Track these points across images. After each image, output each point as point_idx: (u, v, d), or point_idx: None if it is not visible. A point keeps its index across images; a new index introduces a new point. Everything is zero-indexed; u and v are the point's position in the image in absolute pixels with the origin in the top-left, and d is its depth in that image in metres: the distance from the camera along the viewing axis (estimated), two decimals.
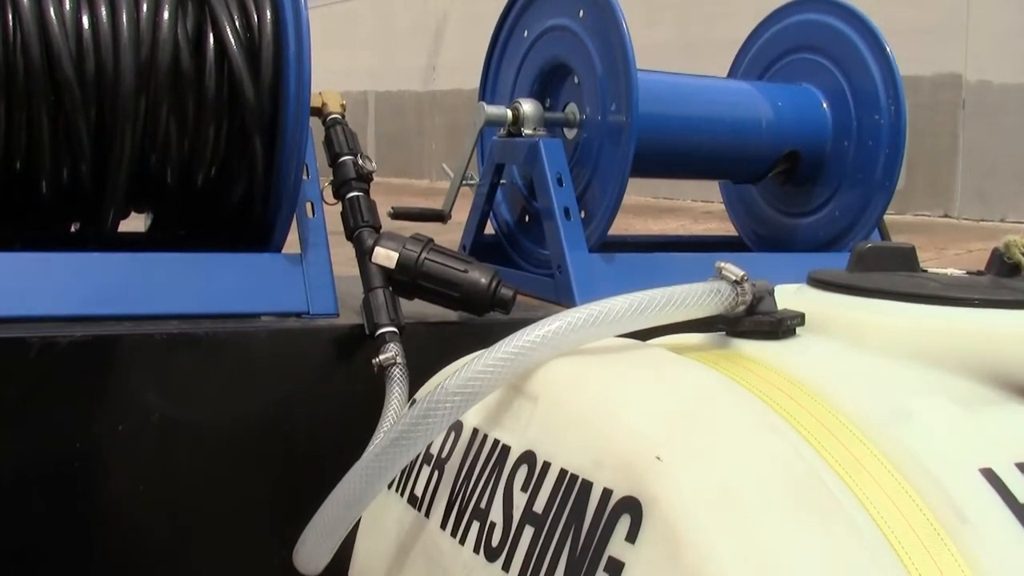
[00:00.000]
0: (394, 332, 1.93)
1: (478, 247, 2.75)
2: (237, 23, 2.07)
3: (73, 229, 2.24)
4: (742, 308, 1.31)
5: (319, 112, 2.26)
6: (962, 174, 12.62)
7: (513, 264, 2.75)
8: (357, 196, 2.12)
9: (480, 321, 2.05)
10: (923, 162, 12.66)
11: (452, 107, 20.25)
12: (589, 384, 1.17)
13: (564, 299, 2.33)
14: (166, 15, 2.02)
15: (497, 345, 1.19)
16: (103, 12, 2.00)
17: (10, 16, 1.95)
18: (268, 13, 2.09)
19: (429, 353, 1.70)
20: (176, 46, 2.03)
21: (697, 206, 12.46)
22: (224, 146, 2.10)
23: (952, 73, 12.57)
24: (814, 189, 2.90)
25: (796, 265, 1.62)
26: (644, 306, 1.23)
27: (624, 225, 11.28)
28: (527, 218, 2.76)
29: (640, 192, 13.78)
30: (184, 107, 2.05)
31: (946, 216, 12.68)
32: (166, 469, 1.94)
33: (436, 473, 1.35)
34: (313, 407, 2.03)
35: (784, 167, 2.89)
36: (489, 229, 2.85)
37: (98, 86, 1.98)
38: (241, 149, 2.09)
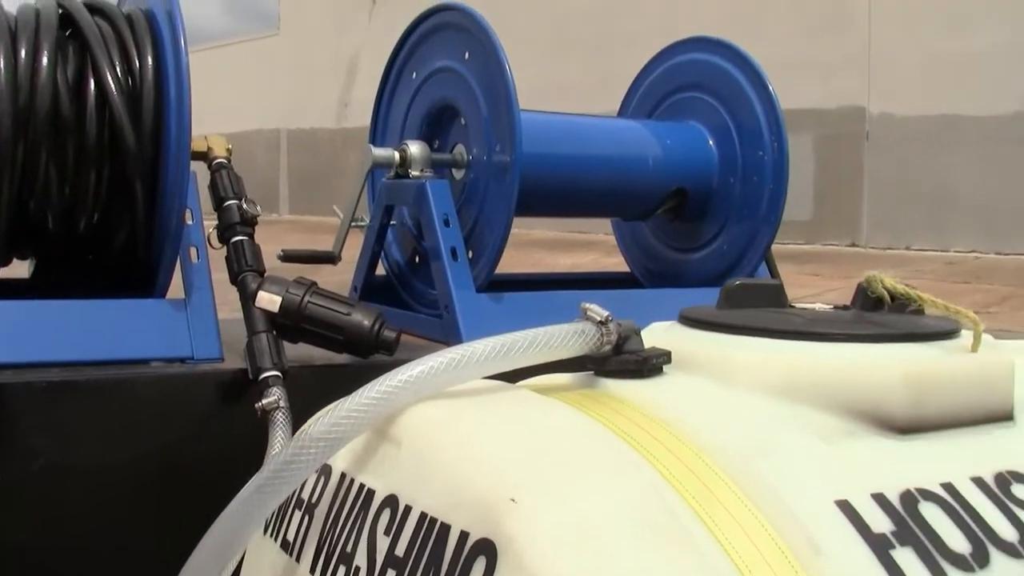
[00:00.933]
0: (277, 376, 1.92)
1: (369, 288, 2.76)
2: (118, 68, 2.07)
3: None
4: (608, 348, 1.32)
5: (204, 156, 2.26)
6: (868, 204, 12.81)
7: (404, 305, 2.76)
8: (241, 240, 2.12)
9: (365, 363, 2.05)
10: (830, 193, 12.85)
11: (365, 143, 20.23)
12: (450, 427, 1.17)
13: (452, 339, 2.34)
14: (45, 60, 2.01)
15: (361, 390, 1.19)
16: None
17: None
18: (149, 59, 2.09)
19: (314, 396, 1.69)
20: (55, 92, 2.02)
21: (610, 239, 12.46)
22: (105, 192, 2.09)
23: (856, 106, 12.78)
24: (702, 225, 2.94)
25: (687, 300, 1.64)
26: (507, 349, 1.24)
27: (536, 259, 11.36)
28: (417, 259, 2.77)
29: (553, 227, 13.88)
30: (64, 153, 2.04)
31: (854, 245, 12.86)
32: (50, 518, 1.93)
33: (306, 518, 1.35)
34: (198, 452, 2.02)
35: (672, 204, 2.93)
36: (381, 270, 2.85)
37: None
38: (123, 194, 2.09)
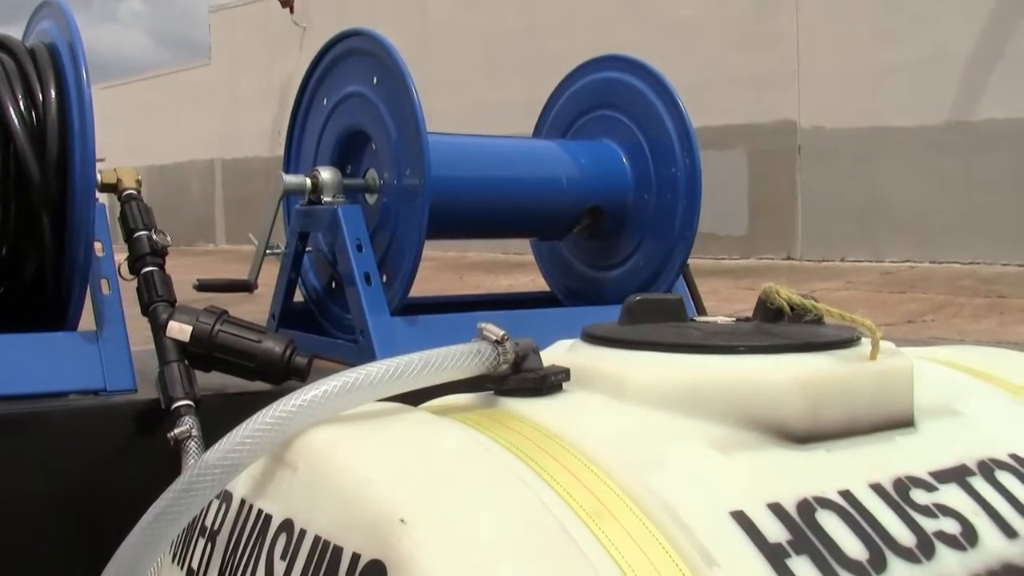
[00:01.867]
0: (189, 405, 1.92)
1: (287, 315, 2.76)
2: (21, 103, 2.06)
3: None
4: (506, 367, 1.33)
5: (114, 188, 2.25)
6: (802, 217, 12.94)
7: (322, 331, 2.76)
8: (152, 271, 2.12)
9: (278, 390, 2.05)
10: (765, 207, 12.97)
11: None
12: (342, 450, 1.18)
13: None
14: None
15: (256, 415, 1.20)
16: None
17: None
18: (52, 91, 2.08)
19: (228, 424, 1.69)
20: None
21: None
22: (13, 225, 2.09)
23: (787, 120, 12.91)
24: (619, 242, 2.96)
25: (603, 317, 1.65)
26: (402, 370, 1.25)
27: (475, 282, 11.35)
28: (333, 284, 2.77)
29: (492, 248, 13.90)
30: None
31: (789, 258, 12.97)
32: None
33: (209, 545, 1.35)
34: (113, 483, 2.01)
35: (588, 222, 2.95)
36: (300, 296, 2.85)
37: None
38: (30, 228, 2.08)
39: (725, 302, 8.28)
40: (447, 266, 12.27)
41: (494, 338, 1.32)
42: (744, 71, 12.95)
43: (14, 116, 2.04)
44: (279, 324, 2.74)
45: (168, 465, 1.87)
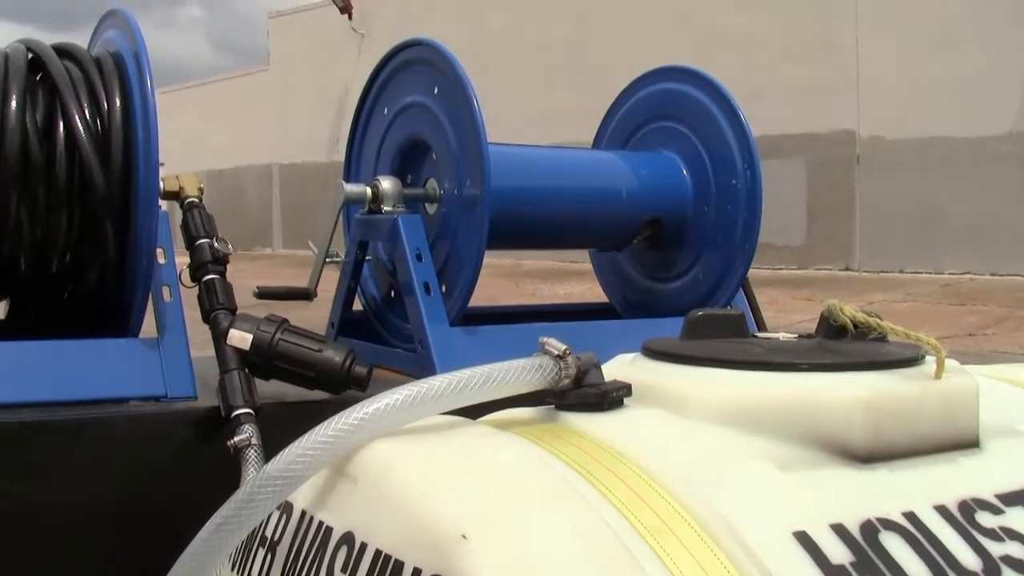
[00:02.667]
0: (249, 413, 1.93)
1: (346, 324, 2.76)
2: (86, 111, 2.08)
3: None
4: (567, 381, 1.32)
5: (176, 195, 2.27)
6: (860, 227, 12.85)
7: (381, 340, 2.76)
8: (213, 279, 2.13)
9: (337, 399, 2.06)
10: (822, 217, 12.90)
11: None
12: (404, 464, 1.18)
13: (426, 373, 2.30)
14: (14, 104, 2.03)
15: (319, 427, 1.20)
16: None
17: None
18: (117, 100, 2.10)
19: (287, 433, 1.69)
20: (25, 135, 2.03)
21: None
22: (76, 233, 2.11)
23: (846, 130, 12.83)
24: (678, 254, 2.95)
25: (661, 330, 1.64)
26: (464, 384, 1.25)
27: (532, 290, 11.35)
28: (392, 293, 2.78)
29: (547, 256, 13.89)
30: (35, 195, 2.06)
31: (847, 269, 12.89)
32: (23, 559, 1.93)
33: (269, 556, 1.35)
34: (172, 491, 2.02)
35: (647, 233, 2.94)
36: (359, 305, 2.86)
37: None
38: (94, 235, 2.10)
39: (782, 312, 8.24)
40: (503, 274, 12.28)
41: (556, 352, 1.31)
42: (801, 80, 12.89)
43: (79, 124, 2.06)
44: (338, 332, 2.75)
45: (226, 473, 1.88)
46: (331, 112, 20.68)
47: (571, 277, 13.03)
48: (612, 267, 3.20)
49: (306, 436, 1.20)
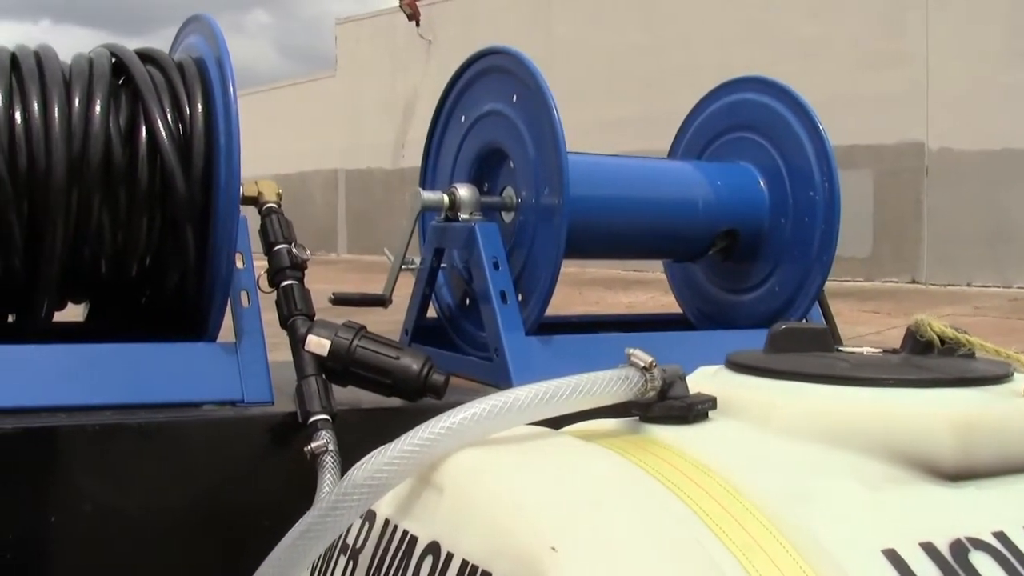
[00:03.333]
0: (326, 420, 1.93)
1: (420, 331, 2.76)
2: (169, 116, 2.09)
3: (9, 320, 2.25)
4: (652, 393, 1.31)
5: (255, 201, 2.28)
6: (928, 240, 12.73)
7: (455, 347, 2.76)
8: (291, 284, 2.13)
9: (413, 407, 2.05)
10: (889, 229, 12.79)
11: None
12: (492, 474, 1.17)
13: (502, 382, 2.34)
14: (98, 109, 2.04)
15: (404, 437, 1.19)
16: (35, 106, 2.02)
17: None
18: (199, 105, 2.11)
19: (362, 439, 1.70)
20: (108, 139, 2.05)
21: (666, 278, 12.53)
22: (156, 237, 2.12)
23: (915, 141, 12.72)
24: (754, 266, 2.93)
25: (738, 342, 1.63)
26: (550, 395, 1.24)
27: (595, 297, 11.33)
28: (467, 301, 2.78)
29: (611, 265, 13.86)
30: (116, 199, 2.07)
31: (914, 282, 12.78)
32: (100, 559, 1.94)
33: (351, 563, 1.35)
34: (248, 495, 2.03)
35: (723, 245, 2.92)
36: (432, 312, 2.86)
37: (30, 180, 2.00)
38: (174, 239, 2.11)
39: (848, 325, 8.17)
40: (566, 281, 12.23)
41: (642, 364, 1.31)
42: (870, 90, 12.78)
43: (162, 128, 2.07)
44: (412, 339, 2.75)
45: (302, 478, 1.88)
46: (397, 118, 20.76)
47: (634, 286, 13.00)
48: (686, 278, 3.19)
49: (392, 444, 1.19)
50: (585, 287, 12.54)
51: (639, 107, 15.33)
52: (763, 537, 1.07)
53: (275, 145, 22.80)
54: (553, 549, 1.01)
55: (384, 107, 21.39)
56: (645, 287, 12.79)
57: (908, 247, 12.93)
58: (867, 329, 7.75)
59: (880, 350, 1.48)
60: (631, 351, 1.33)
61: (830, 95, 12.09)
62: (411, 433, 1.19)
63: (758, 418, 1.29)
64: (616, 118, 14.77)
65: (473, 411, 1.20)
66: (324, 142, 23.38)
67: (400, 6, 20.85)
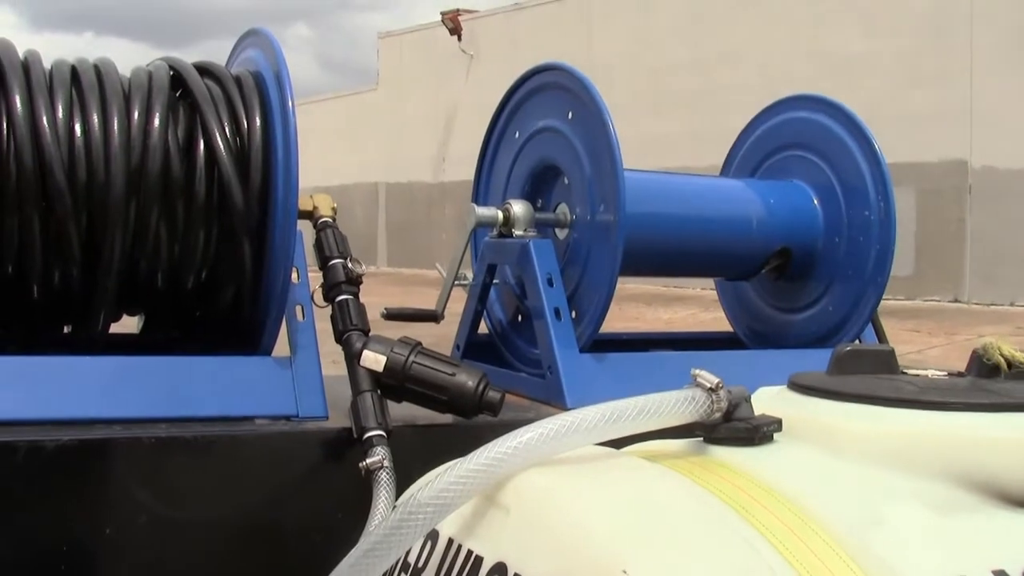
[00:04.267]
0: (381, 436, 1.92)
1: (471, 346, 2.76)
2: (227, 129, 2.10)
3: (66, 331, 2.25)
4: (718, 415, 1.31)
5: (310, 215, 2.28)
6: (970, 259, 12.67)
7: (506, 363, 2.75)
8: (346, 299, 2.13)
9: (468, 424, 2.04)
10: (932, 248, 12.73)
11: (463, 197, 20.26)
12: (559, 495, 1.17)
13: (555, 400, 2.33)
14: (157, 122, 2.05)
15: (470, 456, 1.19)
16: (95, 119, 2.03)
17: (4, 123, 1.98)
18: (257, 119, 2.12)
19: (417, 456, 1.70)
20: (166, 152, 2.05)
21: (706, 294, 12.48)
22: (213, 250, 2.13)
23: (958, 159, 12.66)
24: (807, 285, 2.91)
25: (791, 362, 1.61)
26: (617, 416, 1.24)
27: (635, 313, 11.30)
28: (519, 317, 2.77)
29: (650, 281, 13.85)
30: (174, 212, 2.08)
31: (956, 301, 12.71)
32: (153, 572, 1.94)
33: None
34: (302, 510, 2.03)
35: (776, 263, 2.90)
36: (483, 328, 2.85)
37: (89, 192, 2.01)
38: (230, 253, 2.11)
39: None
40: None
41: (709, 385, 1.30)
42: (913, 107, 12.74)
43: (220, 142, 2.07)
44: (463, 355, 2.74)
45: (354, 495, 1.87)
46: (438, 132, 20.84)
47: (674, 302, 12.97)
48: (738, 296, 3.17)
49: (458, 463, 1.19)
50: (624, 302, 12.53)
51: (682, 124, 15.33)
52: (834, 562, 1.07)
53: (316, 158, 22.91)
54: (624, 572, 1.00)
55: (425, 121, 21.46)
56: (685, 303, 12.76)
57: (950, 266, 12.87)
58: (907, 348, 7.70)
59: (945, 373, 1.47)
60: (697, 372, 1.32)
61: (873, 112, 12.00)
62: (478, 453, 1.19)
63: (825, 441, 1.28)
64: (659, 134, 14.77)
65: (540, 431, 1.20)
66: (365, 155, 23.48)
67: (442, 20, 20.94)
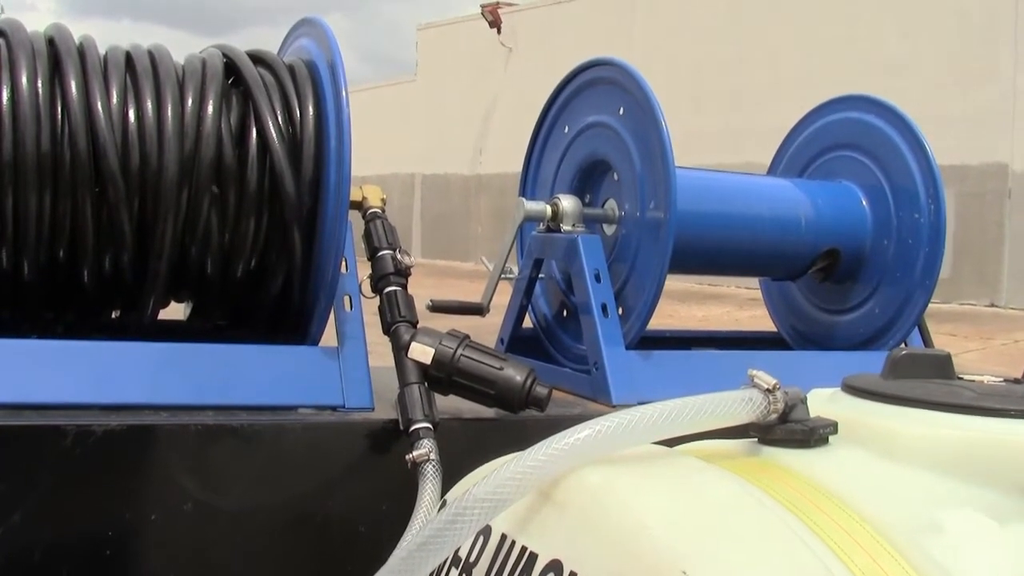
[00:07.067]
0: (428, 428, 1.92)
1: (516, 341, 2.75)
2: (279, 117, 2.10)
3: (114, 316, 2.26)
4: (774, 416, 1.30)
5: (359, 206, 2.28)
6: (1009, 263, 12.60)
7: (550, 359, 2.74)
8: (395, 290, 2.13)
9: (515, 418, 2.04)
10: (969, 251, 12.66)
11: (499, 190, 20.38)
12: (616, 494, 1.16)
13: (600, 396, 2.32)
14: (210, 109, 2.06)
15: (527, 452, 1.18)
16: (149, 105, 2.03)
17: (59, 108, 1.99)
18: (310, 108, 2.12)
19: (463, 449, 1.70)
20: (219, 139, 2.06)
21: (741, 292, 12.48)
22: (264, 238, 2.13)
23: (999, 163, 12.59)
24: (854, 286, 2.89)
25: (838, 364, 1.60)
26: (675, 415, 1.23)
27: (669, 311, 11.30)
28: (565, 313, 2.76)
29: (684, 278, 13.82)
30: (226, 199, 2.08)
31: (992, 305, 12.66)
32: (198, 558, 1.95)
33: None
34: (346, 500, 2.03)
35: (823, 264, 2.88)
36: (528, 323, 2.84)
37: (142, 178, 2.02)
38: (280, 242, 2.12)
39: None
40: None
41: (766, 386, 1.29)
42: (955, 110, 12.66)
43: (272, 130, 2.07)
44: (507, 349, 2.73)
45: (399, 486, 1.88)
46: (476, 124, 20.84)
47: (709, 300, 12.95)
48: (783, 296, 3.15)
49: (513, 459, 1.18)
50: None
51: (722, 120, 15.30)
52: (890, 565, 1.06)
53: (354, 147, 22.97)
54: (683, 573, 0.99)
55: (463, 113, 21.47)
56: (720, 301, 12.75)
57: (988, 270, 12.81)
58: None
59: (1002, 379, 1.46)
60: (754, 372, 1.31)
61: (913, 113, 11.95)
62: (534, 449, 1.18)
63: (881, 445, 1.27)
64: (698, 130, 14.72)
65: (597, 428, 1.19)
66: (402, 146, 23.50)
67: (482, 13, 20.95)
